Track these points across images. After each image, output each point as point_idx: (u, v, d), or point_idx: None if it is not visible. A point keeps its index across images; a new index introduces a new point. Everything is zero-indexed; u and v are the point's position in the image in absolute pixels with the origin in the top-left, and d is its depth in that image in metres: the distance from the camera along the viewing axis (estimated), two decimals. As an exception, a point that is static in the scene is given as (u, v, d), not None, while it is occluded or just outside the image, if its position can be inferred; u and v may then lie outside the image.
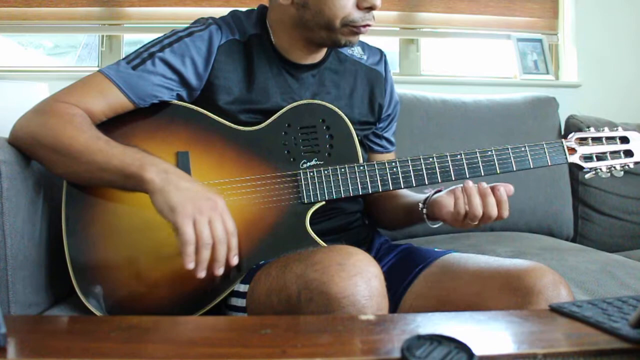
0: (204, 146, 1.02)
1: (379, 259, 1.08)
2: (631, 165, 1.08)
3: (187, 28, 1.05)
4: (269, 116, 1.05)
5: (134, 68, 0.98)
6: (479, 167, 1.03)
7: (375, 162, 1.03)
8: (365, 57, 1.17)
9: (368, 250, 1.11)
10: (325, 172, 1.02)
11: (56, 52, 2.21)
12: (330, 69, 1.12)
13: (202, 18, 1.08)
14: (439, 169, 1.02)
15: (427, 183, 1.03)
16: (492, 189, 0.97)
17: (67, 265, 0.96)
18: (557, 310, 0.70)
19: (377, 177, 1.02)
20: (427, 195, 1.04)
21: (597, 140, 1.08)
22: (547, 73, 2.19)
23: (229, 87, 1.03)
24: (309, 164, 1.03)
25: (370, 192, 1.02)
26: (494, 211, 0.96)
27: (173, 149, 1.00)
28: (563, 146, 1.06)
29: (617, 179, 1.10)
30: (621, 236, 1.78)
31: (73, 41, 2.18)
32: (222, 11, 1.13)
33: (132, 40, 2.10)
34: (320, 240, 0.99)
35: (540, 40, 2.21)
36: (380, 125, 1.21)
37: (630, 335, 0.59)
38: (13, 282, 0.91)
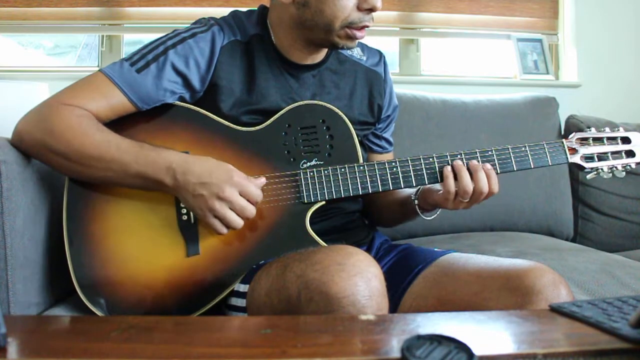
0: (204, 146, 1.02)
1: (379, 259, 1.08)
2: (633, 166, 1.07)
3: (189, 29, 1.04)
4: (269, 116, 1.05)
5: (138, 71, 0.98)
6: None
7: (375, 162, 1.03)
8: (364, 58, 1.17)
9: (368, 250, 1.11)
10: (325, 172, 1.02)
11: (56, 52, 2.21)
12: (330, 69, 1.12)
13: (204, 18, 1.08)
14: (439, 168, 1.02)
15: (427, 183, 1.03)
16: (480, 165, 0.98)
17: (67, 265, 0.97)
18: (557, 310, 0.70)
19: (377, 177, 1.02)
20: (417, 187, 1.05)
21: (598, 140, 1.07)
22: (547, 73, 2.19)
23: (231, 88, 1.03)
24: (309, 164, 1.03)
25: (370, 192, 1.02)
26: (485, 186, 0.97)
27: (173, 149, 1.00)
28: (564, 146, 1.05)
29: (617, 179, 1.09)
30: (621, 236, 1.78)
31: (73, 41, 2.18)
32: (222, 11, 1.13)
33: (132, 40, 2.10)
34: (320, 240, 0.99)
35: (540, 40, 2.22)
36: (380, 125, 1.21)
37: (630, 335, 0.59)
38: (13, 282, 0.91)
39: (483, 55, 2.35)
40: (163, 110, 1.03)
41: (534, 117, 1.81)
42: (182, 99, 1.03)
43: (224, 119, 1.03)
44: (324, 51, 1.11)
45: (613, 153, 1.07)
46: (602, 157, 1.07)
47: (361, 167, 1.02)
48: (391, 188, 1.02)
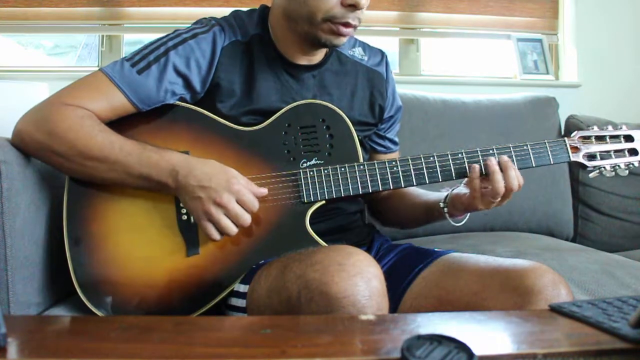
0: (204, 146, 1.02)
1: (379, 259, 1.08)
2: (636, 164, 1.06)
3: (190, 29, 1.04)
4: (269, 117, 1.04)
5: (139, 72, 0.98)
6: (481, 166, 1.03)
7: (375, 161, 1.03)
8: (366, 58, 1.17)
9: (368, 250, 1.11)
10: (325, 171, 1.02)
11: (56, 52, 2.21)
12: (331, 70, 1.12)
13: (205, 18, 1.08)
14: (439, 167, 1.02)
15: (427, 182, 1.03)
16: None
17: (67, 265, 0.96)
18: (557, 310, 0.70)
19: (377, 176, 1.02)
20: (446, 193, 1.06)
21: (600, 138, 1.06)
22: (547, 73, 2.19)
23: (231, 89, 1.03)
24: (309, 163, 1.03)
25: (370, 191, 1.02)
26: (514, 183, 0.98)
27: (173, 149, 1.00)
28: (566, 144, 1.05)
29: (617, 179, 1.09)
30: (621, 236, 1.78)
31: (73, 41, 2.18)
32: (222, 11, 1.13)
33: (132, 40, 2.10)
34: (320, 240, 0.99)
35: (540, 40, 2.22)
36: (382, 126, 1.21)
37: (630, 335, 0.59)
38: (13, 282, 0.91)
39: (483, 55, 2.35)
40: (163, 110, 1.03)
41: (534, 117, 1.81)
42: (182, 99, 1.03)
43: (223, 119, 1.03)
44: (323, 51, 1.10)
45: (616, 151, 1.06)
46: (604, 155, 1.06)
47: (361, 167, 1.02)
48: (391, 187, 1.02)
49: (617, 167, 1.06)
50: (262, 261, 0.96)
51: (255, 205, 0.94)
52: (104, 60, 2.04)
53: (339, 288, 0.76)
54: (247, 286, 0.94)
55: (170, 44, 1.01)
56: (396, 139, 1.26)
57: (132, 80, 0.97)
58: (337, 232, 1.09)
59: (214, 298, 0.97)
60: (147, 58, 0.99)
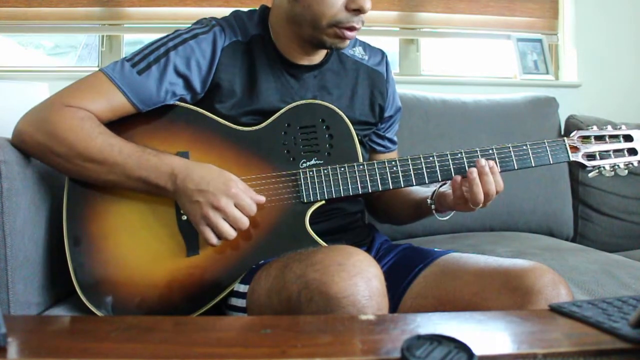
0: (203, 146, 1.02)
1: (379, 259, 1.08)
2: (635, 164, 1.06)
3: (190, 29, 1.04)
4: (269, 117, 1.04)
5: (139, 73, 0.98)
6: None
7: (375, 161, 1.03)
8: (366, 58, 1.17)
9: (368, 250, 1.11)
10: (325, 171, 1.02)
11: (56, 52, 2.21)
12: (331, 70, 1.12)
13: (205, 19, 1.08)
14: (439, 167, 1.02)
15: (427, 182, 1.03)
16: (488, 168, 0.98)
17: (67, 265, 0.97)
18: (557, 310, 0.70)
19: (377, 176, 1.02)
20: (433, 190, 1.06)
21: (600, 138, 1.06)
22: (547, 73, 2.19)
23: (232, 89, 1.03)
24: (308, 163, 1.03)
25: (370, 191, 1.02)
26: (492, 189, 0.97)
27: (173, 149, 1.00)
28: (565, 144, 1.05)
29: (617, 179, 1.09)
30: (621, 236, 1.78)
31: (73, 41, 2.18)
32: (222, 11, 1.13)
33: (132, 40, 2.10)
34: (320, 240, 0.99)
35: (540, 41, 2.21)
36: (382, 126, 1.21)
37: (630, 335, 0.59)
38: (13, 282, 0.91)
39: (483, 55, 2.35)
40: (163, 110, 1.03)
41: (534, 117, 1.81)
42: (182, 100, 1.03)
43: (223, 119, 1.03)
44: (323, 52, 1.10)
45: (615, 151, 1.06)
46: (604, 155, 1.06)
47: (361, 167, 1.02)
48: (391, 187, 1.02)
49: (616, 166, 1.06)
50: (262, 261, 0.96)
51: (253, 209, 0.94)
52: (104, 61, 2.04)
53: (339, 288, 0.76)
54: (247, 286, 0.94)
55: (170, 44, 1.01)
56: (395, 139, 1.26)
57: (132, 80, 0.97)
58: (337, 232, 1.09)
59: (214, 298, 0.97)
60: (147, 58, 0.99)
